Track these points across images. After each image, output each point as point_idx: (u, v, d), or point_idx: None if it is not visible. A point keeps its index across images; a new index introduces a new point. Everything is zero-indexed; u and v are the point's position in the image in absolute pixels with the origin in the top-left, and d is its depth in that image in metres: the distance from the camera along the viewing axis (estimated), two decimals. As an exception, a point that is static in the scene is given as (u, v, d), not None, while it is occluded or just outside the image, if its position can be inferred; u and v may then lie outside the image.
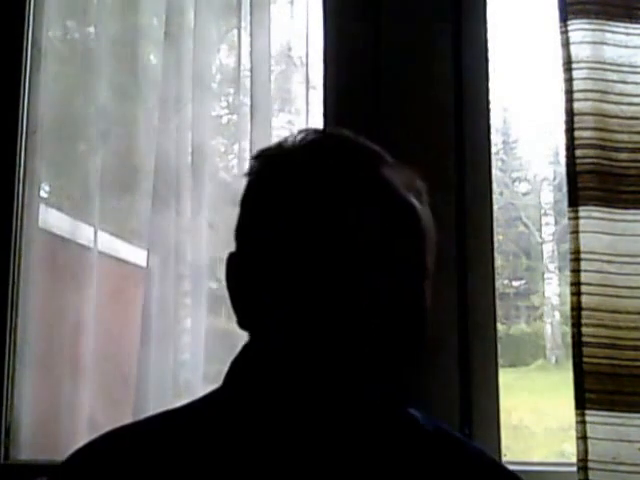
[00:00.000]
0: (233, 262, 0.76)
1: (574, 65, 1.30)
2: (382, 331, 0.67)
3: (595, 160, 1.27)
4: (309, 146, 0.77)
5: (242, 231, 0.77)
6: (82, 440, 1.42)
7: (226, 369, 0.78)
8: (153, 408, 1.38)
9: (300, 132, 0.79)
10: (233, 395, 0.75)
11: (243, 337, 1.40)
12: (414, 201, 0.73)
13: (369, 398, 0.69)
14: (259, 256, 0.72)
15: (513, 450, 1.51)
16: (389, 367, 0.69)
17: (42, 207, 1.52)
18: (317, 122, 1.47)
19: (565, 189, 1.29)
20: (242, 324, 0.75)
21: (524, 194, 2.02)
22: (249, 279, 0.73)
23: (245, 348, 0.78)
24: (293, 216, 0.70)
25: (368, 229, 0.69)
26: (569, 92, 1.30)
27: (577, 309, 1.24)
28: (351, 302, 0.67)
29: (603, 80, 1.30)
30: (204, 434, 0.72)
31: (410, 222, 0.72)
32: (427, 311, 0.73)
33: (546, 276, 1.98)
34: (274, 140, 1.48)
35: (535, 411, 1.79)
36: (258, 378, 0.73)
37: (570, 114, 1.29)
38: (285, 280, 0.69)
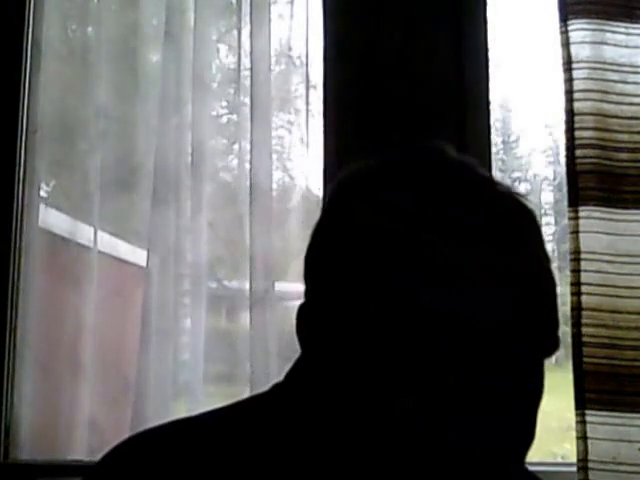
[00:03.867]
0: (306, 312, 0.65)
1: (574, 65, 1.30)
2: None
3: (595, 160, 1.27)
4: (402, 169, 0.64)
5: (317, 270, 0.65)
6: (81, 440, 1.43)
7: (290, 366, 0.71)
8: (153, 408, 1.38)
9: (388, 149, 0.67)
10: (291, 399, 0.68)
11: (242, 337, 1.40)
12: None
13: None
14: (340, 300, 0.61)
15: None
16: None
17: (42, 207, 1.52)
18: (317, 122, 1.47)
19: (565, 189, 1.29)
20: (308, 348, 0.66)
21: (524, 194, 2.01)
22: (324, 324, 0.62)
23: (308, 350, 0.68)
24: (380, 258, 0.59)
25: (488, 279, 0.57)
26: (569, 92, 1.30)
27: (577, 309, 1.24)
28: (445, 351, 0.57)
29: (603, 80, 1.30)
30: (244, 440, 0.67)
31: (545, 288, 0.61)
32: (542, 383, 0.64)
33: (546, 276, 1.97)
34: (274, 140, 1.50)
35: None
36: (319, 386, 0.65)
37: (570, 114, 1.29)
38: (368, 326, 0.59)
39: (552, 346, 0.62)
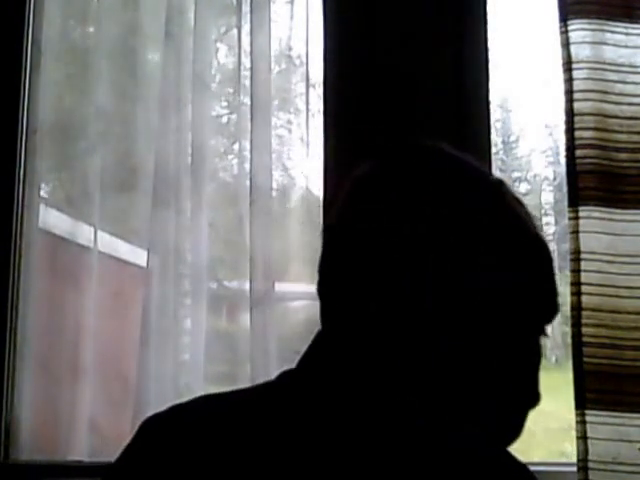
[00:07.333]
0: (331, 239, 0.70)
1: (574, 65, 1.30)
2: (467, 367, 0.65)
3: (595, 160, 1.28)
4: (418, 166, 0.69)
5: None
6: (82, 440, 1.43)
7: (303, 352, 0.74)
8: (153, 409, 1.37)
9: (394, 147, 0.71)
10: (307, 381, 0.71)
11: (243, 337, 1.40)
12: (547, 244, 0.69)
13: (420, 420, 0.65)
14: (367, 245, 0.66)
15: (513, 450, 1.51)
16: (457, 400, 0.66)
17: (42, 207, 1.52)
18: (317, 121, 1.47)
19: (565, 189, 1.30)
20: (325, 314, 0.71)
21: (524, 194, 2.01)
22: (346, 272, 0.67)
23: (320, 335, 0.72)
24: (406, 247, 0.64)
25: (500, 267, 0.65)
26: (569, 92, 1.30)
27: (577, 309, 1.24)
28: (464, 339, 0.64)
29: (603, 80, 1.30)
30: (270, 418, 0.69)
31: (548, 270, 0.68)
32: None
33: (546, 276, 1.97)
34: (274, 140, 1.50)
35: (535, 411, 1.79)
36: (333, 369, 0.69)
37: (570, 114, 1.29)
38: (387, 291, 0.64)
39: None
